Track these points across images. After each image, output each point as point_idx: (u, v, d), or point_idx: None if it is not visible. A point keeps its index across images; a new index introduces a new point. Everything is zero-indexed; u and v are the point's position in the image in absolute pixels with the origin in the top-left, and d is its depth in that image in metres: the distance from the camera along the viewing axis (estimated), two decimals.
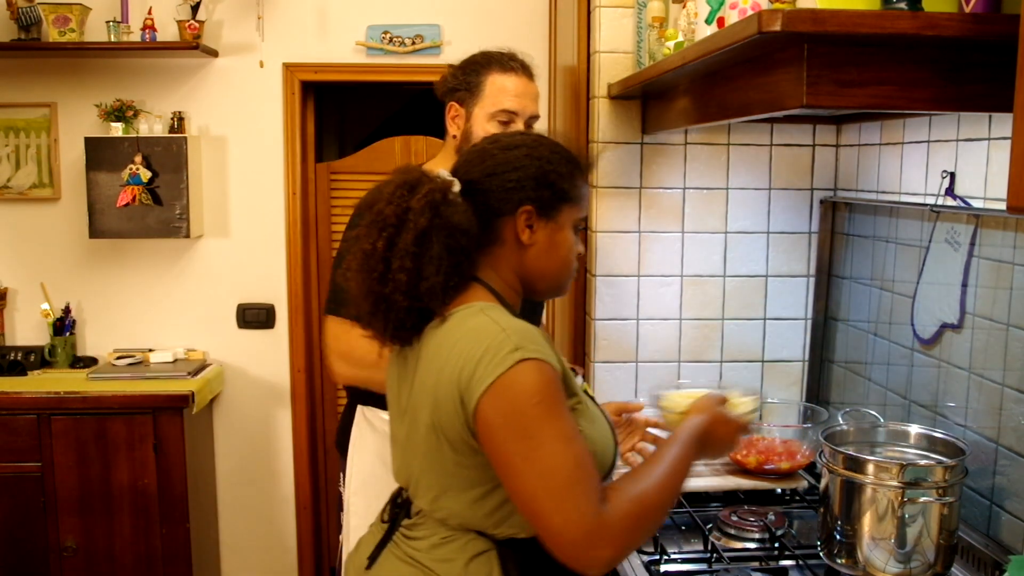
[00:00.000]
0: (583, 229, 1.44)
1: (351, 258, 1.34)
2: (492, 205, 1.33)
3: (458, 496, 1.28)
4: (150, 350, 3.40)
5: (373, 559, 1.38)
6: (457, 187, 1.31)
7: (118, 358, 3.33)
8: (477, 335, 1.23)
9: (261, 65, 3.36)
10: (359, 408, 2.05)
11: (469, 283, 1.32)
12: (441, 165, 1.99)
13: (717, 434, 1.41)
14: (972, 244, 1.73)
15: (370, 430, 2.02)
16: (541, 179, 1.34)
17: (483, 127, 1.91)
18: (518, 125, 1.93)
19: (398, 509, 1.40)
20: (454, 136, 1.96)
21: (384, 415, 2.00)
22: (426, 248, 1.25)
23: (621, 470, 1.36)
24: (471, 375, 1.20)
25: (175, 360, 3.35)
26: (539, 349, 1.21)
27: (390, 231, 1.27)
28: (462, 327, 1.26)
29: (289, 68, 3.38)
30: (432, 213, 1.26)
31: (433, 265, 1.26)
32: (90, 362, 3.36)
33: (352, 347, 1.78)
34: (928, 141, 1.93)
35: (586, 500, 1.16)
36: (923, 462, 1.61)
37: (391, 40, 3.35)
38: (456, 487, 1.28)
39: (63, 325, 3.35)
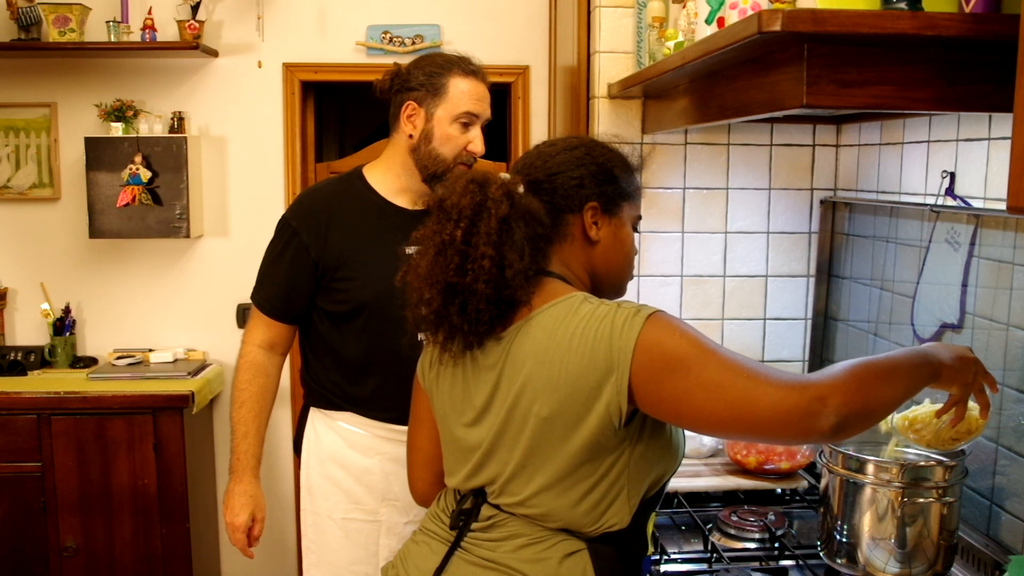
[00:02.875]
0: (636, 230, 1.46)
1: (417, 256, 1.32)
2: (558, 202, 1.35)
3: (563, 493, 1.27)
4: (150, 350, 3.40)
5: (440, 570, 1.34)
6: (521, 187, 1.33)
7: (118, 358, 3.33)
8: (596, 318, 1.23)
9: (260, 65, 3.36)
10: (311, 410, 2.06)
11: (544, 278, 1.32)
12: (389, 165, 1.99)
13: (939, 348, 1.33)
14: (972, 244, 1.73)
15: (324, 431, 2.03)
16: (604, 176, 1.37)
17: (445, 129, 1.91)
18: (476, 128, 1.94)
19: (464, 515, 1.36)
20: (410, 136, 1.94)
21: (340, 419, 2.01)
22: (508, 234, 1.26)
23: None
24: (608, 352, 1.20)
25: (175, 360, 3.36)
26: (655, 307, 1.24)
27: (466, 221, 1.27)
28: (575, 316, 1.25)
29: (289, 68, 3.39)
30: (510, 201, 1.28)
31: (516, 251, 1.26)
32: (90, 362, 3.37)
33: (250, 337, 2.03)
34: (928, 141, 1.93)
35: (780, 377, 1.16)
36: (923, 462, 1.61)
37: (391, 40, 3.36)
38: (563, 482, 1.26)
39: (63, 325, 3.35)
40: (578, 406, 1.23)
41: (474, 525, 1.35)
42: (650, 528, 1.36)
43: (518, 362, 1.27)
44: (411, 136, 1.94)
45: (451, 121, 1.91)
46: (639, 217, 1.45)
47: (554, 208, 1.34)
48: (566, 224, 1.36)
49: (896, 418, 1.58)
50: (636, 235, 1.46)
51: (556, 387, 1.23)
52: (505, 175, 1.35)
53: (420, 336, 1.86)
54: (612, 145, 1.43)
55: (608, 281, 1.42)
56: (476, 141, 1.94)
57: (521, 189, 1.32)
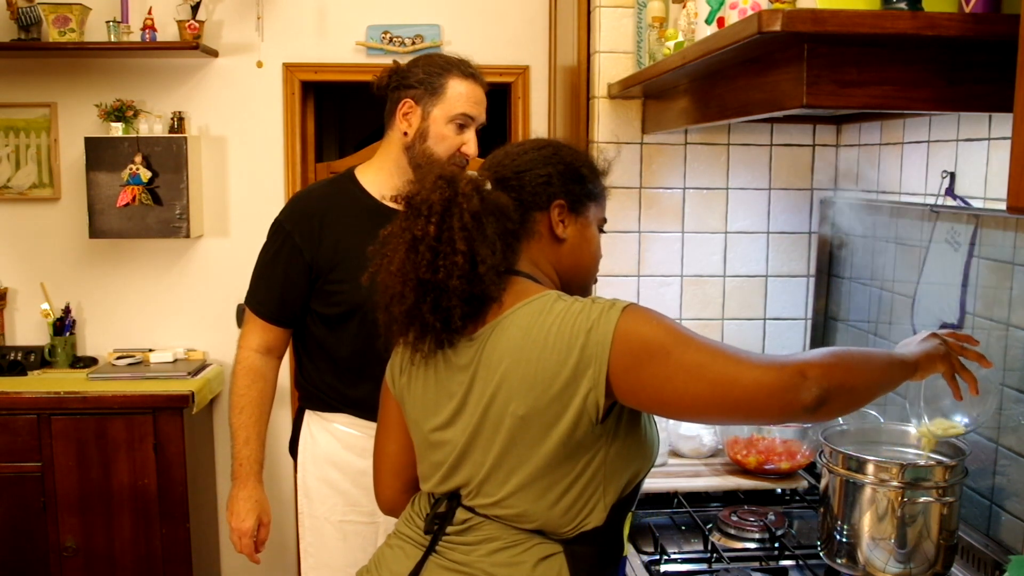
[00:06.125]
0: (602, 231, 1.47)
1: (390, 254, 1.31)
2: (525, 199, 1.35)
3: (540, 493, 1.26)
4: (150, 350, 3.40)
5: (414, 574, 1.33)
6: (489, 184, 1.33)
7: (118, 358, 3.33)
8: (572, 314, 1.23)
9: (260, 65, 3.36)
10: (306, 413, 2.06)
11: (514, 277, 1.32)
12: (382, 164, 1.99)
13: (903, 347, 1.42)
14: (972, 244, 1.73)
15: (319, 433, 2.03)
16: (571, 175, 1.38)
17: (440, 128, 1.91)
18: (471, 130, 1.95)
19: (438, 519, 1.35)
20: (404, 133, 1.94)
21: (336, 421, 2.01)
22: (480, 230, 1.26)
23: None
24: (585, 345, 1.20)
25: (175, 360, 3.36)
26: (627, 300, 1.25)
27: (437, 217, 1.26)
28: (549, 314, 1.25)
29: (289, 68, 3.39)
30: (480, 197, 1.28)
31: (488, 247, 1.26)
32: (90, 362, 3.37)
33: (246, 342, 2.01)
34: (928, 141, 1.93)
35: (759, 357, 1.19)
36: (923, 462, 1.61)
37: (391, 40, 3.36)
38: (539, 482, 1.26)
39: (63, 325, 3.35)
40: (555, 403, 1.22)
41: (449, 529, 1.34)
42: (626, 529, 1.37)
43: (493, 361, 1.27)
44: (406, 134, 1.94)
45: (447, 121, 1.91)
46: (604, 220, 1.46)
47: (521, 205, 1.34)
48: (534, 222, 1.36)
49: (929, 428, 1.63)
50: (601, 236, 1.47)
51: (533, 385, 1.23)
52: (472, 172, 1.36)
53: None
54: (580, 148, 1.44)
55: (575, 281, 1.42)
56: (470, 143, 1.94)
57: (489, 186, 1.33)
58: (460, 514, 1.33)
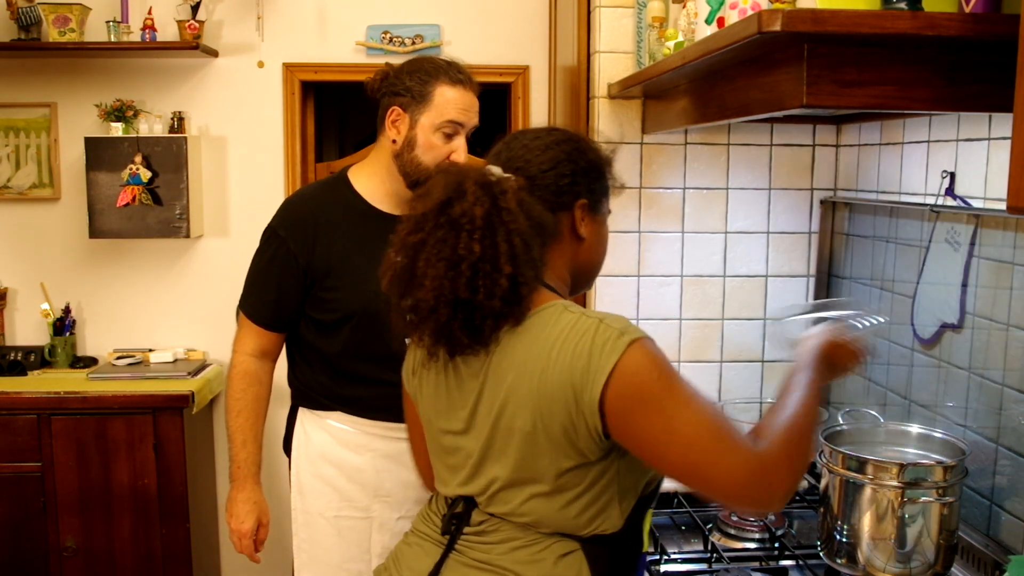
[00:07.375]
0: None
1: (423, 267, 1.24)
2: (550, 200, 1.31)
3: (553, 502, 1.26)
4: (150, 350, 3.40)
5: (435, 571, 1.33)
6: (516, 185, 1.28)
7: (118, 358, 3.33)
8: (577, 332, 1.20)
9: (261, 65, 3.37)
10: (300, 410, 2.06)
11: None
12: (375, 169, 1.98)
13: (839, 355, 1.42)
14: (972, 244, 1.73)
15: (313, 430, 2.04)
16: (593, 173, 1.36)
17: (428, 137, 1.88)
18: (461, 137, 1.92)
19: (455, 519, 1.34)
20: (393, 141, 1.91)
21: (330, 418, 2.01)
22: (527, 252, 1.23)
23: None
24: (585, 370, 1.18)
25: (175, 360, 3.36)
26: (638, 329, 1.22)
27: (479, 233, 1.21)
28: (555, 327, 1.22)
29: (289, 68, 3.39)
30: (526, 213, 1.24)
31: (532, 268, 1.23)
32: (90, 362, 3.37)
33: (242, 346, 2.08)
34: (928, 141, 1.93)
35: (739, 444, 1.18)
36: (923, 462, 1.61)
37: (391, 40, 3.36)
38: (553, 492, 1.25)
39: (63, 325, 3.36)
40: (559, 420, 1.21)
41: (466, 529, 1.33)
42: (647, 526, 1.36)
43: (501, 372, 1.25)
44: (394, 141, 1.92)
45: (434, 130, 1.88)
46: (610, 211, 1.44)
47: (545, 205, 1.31)
48: (557, 222, 1.33)
49: None
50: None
51: (537, 401, 1.22)
52: (497, 169, 1.29)
53: (407, 340, 1.85)
54: (594, 142, 1.42)
55: (584, 276, 1.41)
56: (459, 151, 1.91)
57: (516, 187, 1.28)
58: (476, 516, 1.33)
